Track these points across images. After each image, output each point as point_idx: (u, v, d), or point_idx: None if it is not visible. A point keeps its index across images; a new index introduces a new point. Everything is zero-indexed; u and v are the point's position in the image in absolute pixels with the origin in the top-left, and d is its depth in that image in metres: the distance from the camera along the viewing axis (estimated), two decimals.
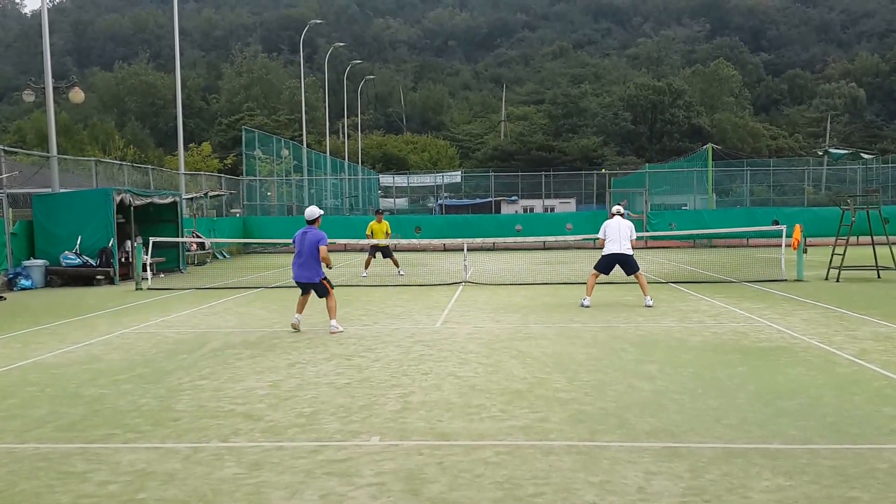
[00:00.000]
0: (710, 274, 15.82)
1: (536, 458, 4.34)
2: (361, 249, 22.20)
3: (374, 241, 16.28)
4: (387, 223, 16.70)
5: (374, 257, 16.72)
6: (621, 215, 11.59)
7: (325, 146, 47.70)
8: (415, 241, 21.23)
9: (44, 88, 18.43)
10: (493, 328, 9.04)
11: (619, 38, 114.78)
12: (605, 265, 11.27)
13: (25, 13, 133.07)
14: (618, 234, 11.15)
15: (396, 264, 16.63)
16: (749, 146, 70.14)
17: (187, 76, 71.10)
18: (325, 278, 9.17)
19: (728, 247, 26.47)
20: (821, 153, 30.07)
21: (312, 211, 9.24)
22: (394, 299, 12.18)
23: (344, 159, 50.29)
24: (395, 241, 17.90)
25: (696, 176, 37.38)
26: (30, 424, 5.27)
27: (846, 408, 5.29)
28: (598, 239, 11.70)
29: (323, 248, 8.99)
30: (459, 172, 56.53)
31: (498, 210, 45.42)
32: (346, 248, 26.66)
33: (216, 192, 26.06)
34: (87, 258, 15.82)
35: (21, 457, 4.58)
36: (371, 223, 16.71)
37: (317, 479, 4.06)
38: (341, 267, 21.05)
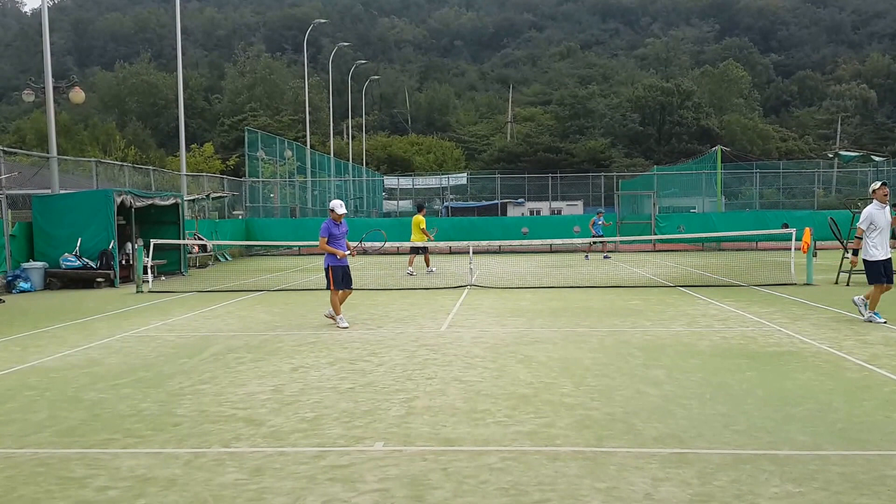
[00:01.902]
0: (718, 277, 15.73)
1: (542, 463, 4.30)
2: (363, 252, 22.18)
3: (418, 244, 17.26)
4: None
5: (420, 253, 17.83)
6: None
7: (329, 147, 47.70)
8: (418, 243, 21.20)
9: (44, 88, 18.43)
10: (499, 332, 8.98)
11: (628, 38, 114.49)
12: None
13: (25, 12, 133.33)
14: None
15: (411, 263, 17.54)
16: (759, 148, 69.83)
17: (189, 76, 71.06)
18: (328, 268, 9.50)
19: (737, 250, 26.33)
20: (831, 155, 29.91)
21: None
22: (398, 303, 12.13)
23: (348, 161, 50.32)
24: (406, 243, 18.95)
25: (704, 178, 37.21)
26: (28, 429, 5.23)
27: (856, 414, 5.24)
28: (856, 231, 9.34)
29: (320, 240, 9.49)
30: (465, 174, 56.55)
31: (504, 212, 45.38)
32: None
33: (218, 194, 26.06)
34: (87, 260, 15.77)
35: (20, 462, 4.54)
36: (419, 218, 17.52)
37: (319, 485, 4.02)
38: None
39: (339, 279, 9.51)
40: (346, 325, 9.44)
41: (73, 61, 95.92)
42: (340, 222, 9.55)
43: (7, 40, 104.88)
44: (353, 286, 9.83)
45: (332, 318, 9.65)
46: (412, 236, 17.47)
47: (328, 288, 9.64)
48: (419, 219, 17.51)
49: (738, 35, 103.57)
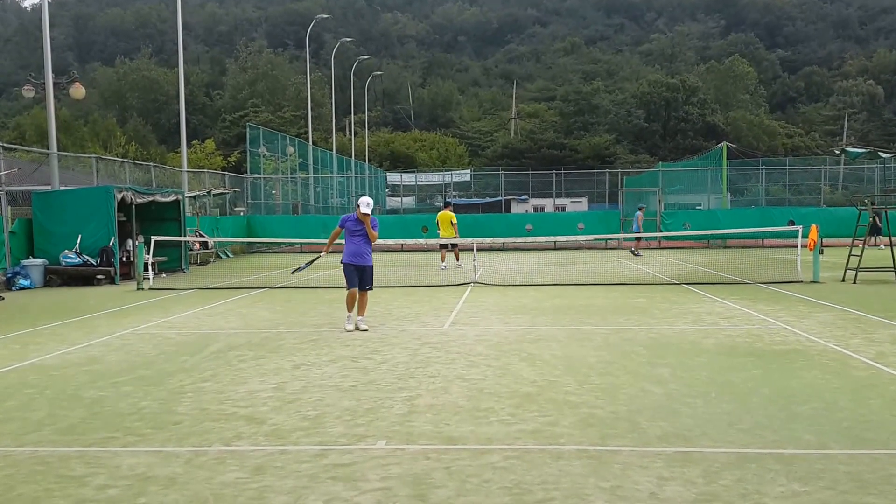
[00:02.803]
0: (724, 275, 15.66)
1: (546, 462, 4.26)
2: None
3: (446, 240, 17.84)
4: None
5: (450, 249, 18.49)
6: None
7: (332, 143, 47.62)
8: (421, 240, 21.19)
9: (44, 84, 18.35)
10: (502, 330, 8.93)
11: (632, 33, 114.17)
12: None
13: (25, 7, 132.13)
14: None
15: (444, 259, 18.20)
16: (765, 145, 69.52)
17: (191, 72, 70.90)
18: (342, 265, 9.07)
19: (743, 247, 26.23)
20: (838, 152, 29.75)
21: None
22: (401, 300, 12.08)
23: (350, 157, 50.22)
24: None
25: (710, 175, 37.05)
26: (28, 427, 5.21)
27: (862, 412, 5.20)
28: None
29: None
30: (468, 171, 56.34)
31: (508, 209, 45.21)
32: None
33: (220, 191, 26.01)
34: (87, 257, 15.69)
35: (19, 460, 4.52)
36: (449, 214, 18.05)
37: (321, 484, 3.99)
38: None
39: (351, 277, 8.97)
40: (350, 327, 8.97)
41: (74, 57, 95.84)
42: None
43: (7, 35, 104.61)
44: (370, 287, 9.11)
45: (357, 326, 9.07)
46: (441, 232, 17.96)
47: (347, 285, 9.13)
48: (449, 214, 17.93)
49: (744, 31, 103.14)
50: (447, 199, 20.49)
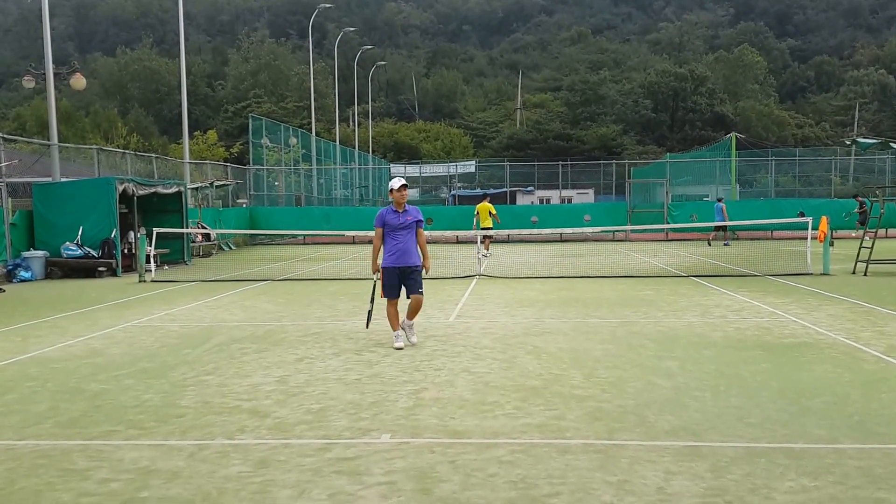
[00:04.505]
0: (732, 267, 15.58)
1: (552, 456, 4.23)
2: (368, 242, 22.11)
3: (489, 230, 18.77)
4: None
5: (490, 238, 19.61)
6: None
7: (335, 134, 47.52)
8: (426, 233, 21.13)
9: (44, 74, 18.29)
10: (508, 323, 8.89)
11: (640, 22, 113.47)
12: None
13: None
14: None
15: (487, 247, 18.86)
16: (774, 135, 69.11)
17: (192, 62, 70.59)
18: (381, 269, 7.41)
19: (752, 239, 26.10)
20: (848, 142, 29.45)
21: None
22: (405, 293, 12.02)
23: (354, 148, 50.10)
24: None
25: (718, 166, 36.85)
26: (29, 420, 5.18)
27: (873, 406, 5.14)
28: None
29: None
30: (473, 162, 56.25)
31: (513, 201, 45.12)
32: (354, 241, 26.46)
33: (222, 182, 25.97)
34: (88, 249, 15.66)
35: (20, 454, 4.50)
36: (488, 205, 19.30)
37: (325, 478, 3.97)
38: (350, 259, 20.93)
39: (391, 286, 7.28)
40: (400, 344, 7.28)
41: (74, 47, 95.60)
42: (403, 209, 7.32)
43: (7, 25, 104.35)
44: (420, 291, 7.37)
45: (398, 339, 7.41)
46: (482, 222, 18.88)
47: (382, 295, 7.41)
48: (488, 206, 19.19)
49: (754, 19, 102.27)
50: (485, 192, 21.27)
